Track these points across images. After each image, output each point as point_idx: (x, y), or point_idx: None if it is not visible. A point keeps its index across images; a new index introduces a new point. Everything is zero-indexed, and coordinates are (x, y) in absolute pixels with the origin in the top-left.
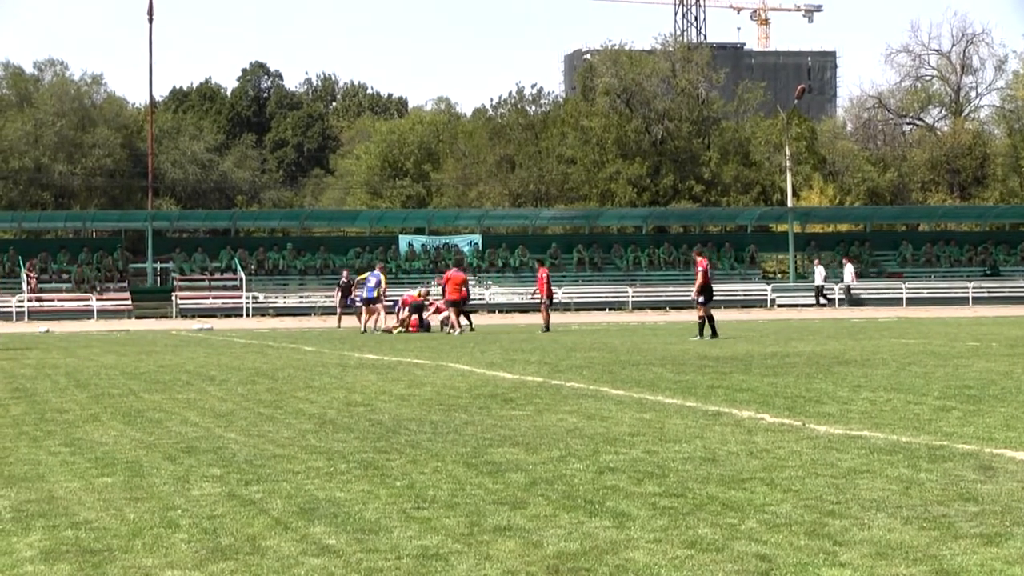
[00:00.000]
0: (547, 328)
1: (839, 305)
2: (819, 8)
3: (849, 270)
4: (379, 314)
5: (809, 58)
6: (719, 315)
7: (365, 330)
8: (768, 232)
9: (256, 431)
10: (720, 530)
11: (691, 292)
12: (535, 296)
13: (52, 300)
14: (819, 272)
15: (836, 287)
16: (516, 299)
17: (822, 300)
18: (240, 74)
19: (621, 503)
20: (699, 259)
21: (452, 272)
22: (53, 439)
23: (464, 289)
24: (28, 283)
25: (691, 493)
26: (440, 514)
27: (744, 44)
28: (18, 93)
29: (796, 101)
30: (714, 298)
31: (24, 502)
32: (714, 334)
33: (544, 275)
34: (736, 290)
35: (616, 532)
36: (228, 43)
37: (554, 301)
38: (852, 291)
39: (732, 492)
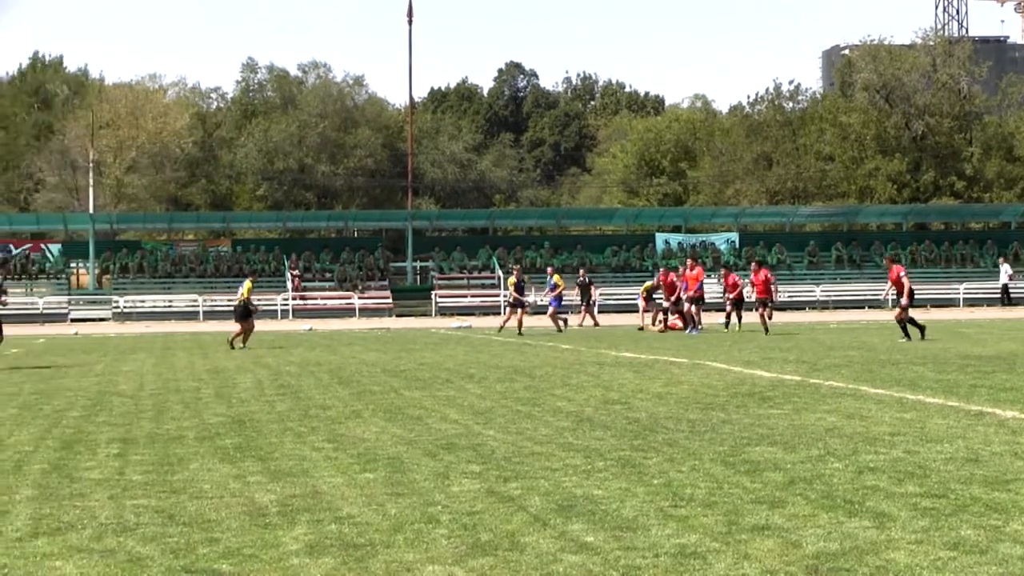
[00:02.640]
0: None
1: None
2: None
3: (1005, 269)
4: None
5: None
6: (983, 313)
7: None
8: None
9: (514, 428)
10: (984, 532)
11: (950, 290)
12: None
13: (315, 298)
14: (1004, 270)
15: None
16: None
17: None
18: (496, 74)
19: (881, 503)
20: (893, 266)
21: (694, 268)
22: (317, 435)
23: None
24: (292, 282)
25: (953, 494)
26: (697, 512)
27: (1007, 37)
28: (283, 96)
29: None
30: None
31: (289, 496)
32: (906, 335)
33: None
34: (999, 288)
35: (876, 532)
36: (484, 43)
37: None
38: (1009, 290)
39: (996, 493)
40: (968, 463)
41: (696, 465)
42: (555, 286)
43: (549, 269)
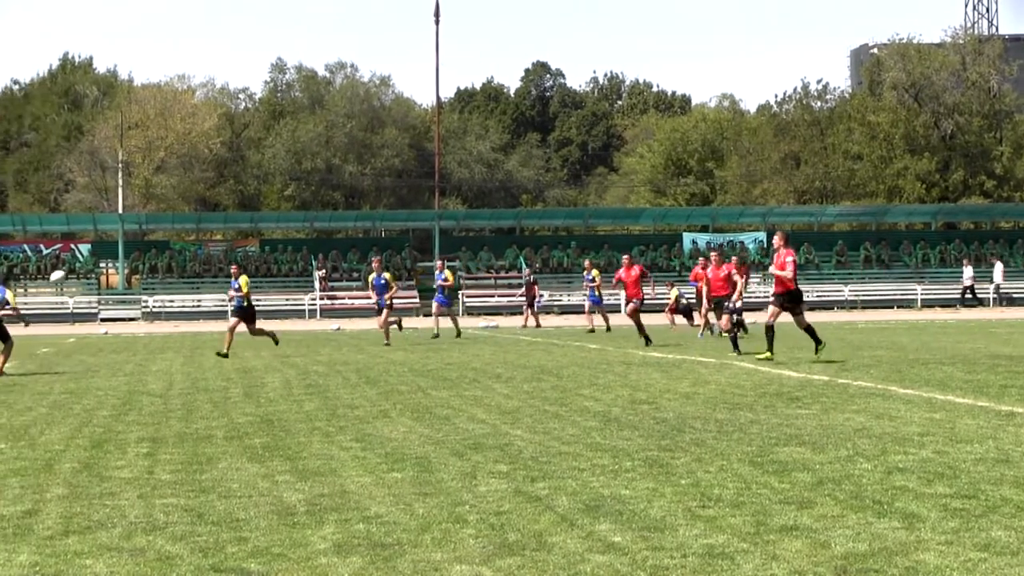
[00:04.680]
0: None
1: (993, 305)
2: None
3: (999, 269)
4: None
5: None
6: (1014, 313)
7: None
8: None
9: (542, 428)
10: (1015, 533)
11: (981, 289)
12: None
13: (343, 298)
14: (967, 272)
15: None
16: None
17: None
18: (523, 74)
19: (911, 504)
20: (634, 266)
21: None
22: (345, 434)
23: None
24: (319, 281)
25: (984, 495)
26: (725, 513)
27: None
28: (310, 96)
29: None
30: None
31: (318, 496)
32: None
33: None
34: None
35: (906, 533)
36: (510, 43)
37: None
38: (1001, 290)
39: None
40: (998, 464)
41: (724, 465)
42: (444, 279)
43: (439, 263)
